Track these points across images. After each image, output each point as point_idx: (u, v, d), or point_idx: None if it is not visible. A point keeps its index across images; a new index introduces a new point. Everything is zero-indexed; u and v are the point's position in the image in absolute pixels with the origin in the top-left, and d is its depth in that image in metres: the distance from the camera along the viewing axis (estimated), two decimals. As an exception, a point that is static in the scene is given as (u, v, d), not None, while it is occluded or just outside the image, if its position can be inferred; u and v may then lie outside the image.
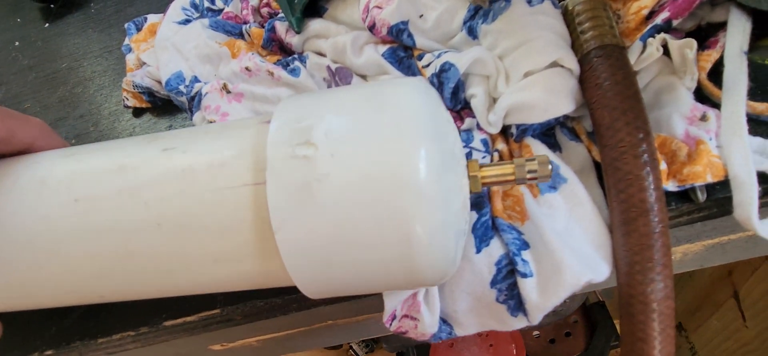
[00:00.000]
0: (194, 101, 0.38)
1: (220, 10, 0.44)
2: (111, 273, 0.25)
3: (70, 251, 0.24)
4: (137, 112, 0.43)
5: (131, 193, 0.24)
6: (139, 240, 0.24)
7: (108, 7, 0.54)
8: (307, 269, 0.22)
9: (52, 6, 0.56)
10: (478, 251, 0.28)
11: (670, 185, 0.27)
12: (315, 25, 0.37)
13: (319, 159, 0.21)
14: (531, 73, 0.28)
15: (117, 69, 0.47)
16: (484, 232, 0.28)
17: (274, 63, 0.37)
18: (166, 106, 0.43)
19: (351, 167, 0.20)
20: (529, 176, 0.24)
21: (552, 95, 0.27)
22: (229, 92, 0.37)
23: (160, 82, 0.41)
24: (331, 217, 0.21)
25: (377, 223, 0.20)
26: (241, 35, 0.41)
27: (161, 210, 0.23)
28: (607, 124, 0.26)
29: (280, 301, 0.30)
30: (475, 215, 0.28)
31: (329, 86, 0.36)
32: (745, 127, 0.26)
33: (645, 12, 0.29)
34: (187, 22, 0.43)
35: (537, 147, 0.29)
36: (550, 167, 0.24)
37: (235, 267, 0.24)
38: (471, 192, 0.24)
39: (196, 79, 0.39)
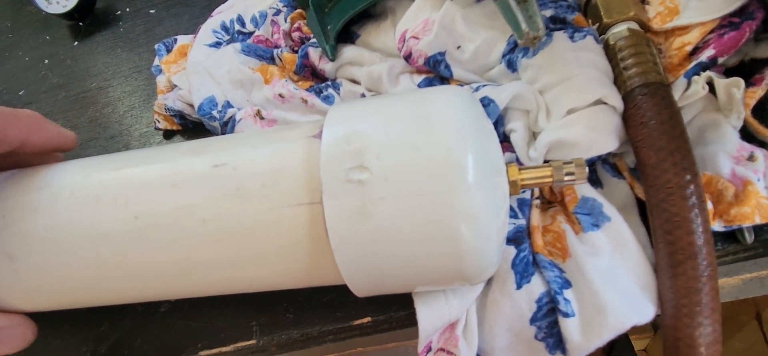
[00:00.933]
0: (227, 127, 0.38)
1: (251, 33, 0.45)
2: (173, 279, 0.26)
3: (135, 262, 0.25)
4: (168, 134, 0.44)
5: (188, 211, 0.24)
6: (200, 253, 0.25)
7: (137, 26, 0.54)
8: (361, 276, 0.23)
9: (80, 24, 0.57)
10: (519, 287, 0.27)
11: (717, 226, 0.26)
12: (348, 52, 0.37)
13: (374, 183, 0.22)
14: (574, 110, 0.27)
15: (147, 90, 0.48)
16: (524, 268, 0.27)
17: (307, 89, 0.37)
18: (197, 128, 0.43)
19: (404, 189, 0.21)
20: (566, 178, 0.25)
21: (595, 133, 0.27)
22: (262, 118, 0.37)
23: (191, 106, 0.41)
24: (387, 235, 0.22)
25: (428, 232, 0.22)
26: (272, 60, 0.41)
27: (219, 227, 0.24)
28: (654, 164, 0.26)
29: (315, 333, 0.30)
30: (514, 251, 0.28)
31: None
32: (794, 168, 0.26)
33: (689, 48, 0.28)
34: (217, 44, 0.44)
35: (579, 185, 0.28)
36: (586, 169, 0.24)
37: (291, 275, 0.25)
38: (511, 195, 0.25)
39: (228, 105, 0.39)
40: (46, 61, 0.55)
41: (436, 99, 0.23)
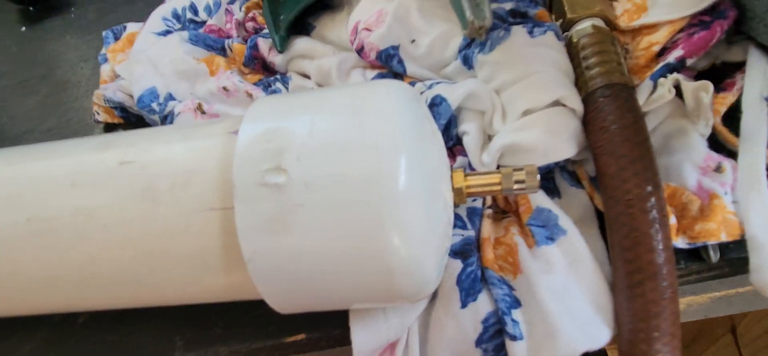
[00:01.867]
0: (166, 121, 0.35)
1: (204, 23, 0.42)
2: (72, 291, 0.23)
3: (26, 270, 0.22)
4: (109, 128, 0.41)
5: (88, 214, 0.22)
6: (101, 263, 0.22)
7: (89, 12, 0.51)
8: (279, 293, 0.21)
9: (31, 8, 0.54)
10: (464, 305, 0.25)
11: (680, 242, 0.24)
12: (300, 44, 0.34)
13: (292, 188, 0.19)
14: (530, 112, 0.25)
15: (93, 80, 0.45)
16: (470, 284, 0.25)
17: (255, 83, 0.35)
18: (140, 122, 0.40)
19: (326, 196, 0.19)
20: (516, 187, 0.22)
21: (553, 137, 0.24)
22: (203, 112, 0.34)
23: (133, 98, 0.38)
24: (306, 247, 0.19)
25: (354, 243, 0.19)
26: (222, 51, 0.38)
27: (122, 234, 0.21)
28: (613, 173, 0.23)
29: (245, 350, 0.27)
30: (460, 265, 0.25)
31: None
32: (764, 181, 0.24)
33: (657, 48, 0.26)
34: (167, 33, 0.41)
35: (533, 195, 0.26)
36: (538, 177, 0.22)
37: (205, 289, 0.23)
38: (456, 205, 0.23)
39: (170, 97, 0.36)
40: (-10, 46, 0.51)
41: (371, 94, 0.21)
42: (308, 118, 0.20)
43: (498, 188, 0.22)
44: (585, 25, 0.27)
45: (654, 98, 0.25)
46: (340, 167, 0.19)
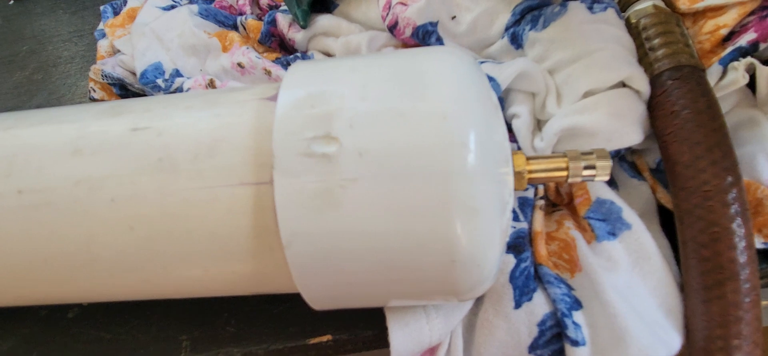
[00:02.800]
0: (173, 98, 0.32)
1: (212, -1, 0.39)
2: (70, 276, 0.19)
3: (16, 251, 0.19)
4: (105, 106, 0.37)
5: (93, 186, 0.18)
6: (106, 243, 0.18)
7: (84, -13, 0.47)
8: (319, 283, 0.18)
9: (20, -18, 0.50)
10: (517, 305, 0.22)
11: (757, 242, 0.22)
12: (323, 21, 0.32)
13: (344, 159, 0.16)
14: (592, 93, 0.23)
15: (87, 57, 0.41)
16: (525, 282, 0.22)
17: (273, 61, 0.32)
18: (140, 102, 0.36)
19: (384, 168, 0.16)
20: (585, 173, 0.20)
21: (618, 121, 0.22)
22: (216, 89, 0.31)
23: (133, 74, 0.35)
24: (357, 229, 0.16)
25: (415, 225, 0.16)
26: (234, 27, 0.35)
27: (133, 210, 0.18)
28: (687, 161, 0.21)
29: (261, 352, 0.24)
30: (513, 260, 0.23)
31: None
32: None
33: (724, 31, 0.24)
34: (172, 8, 0.38)
35: (592, 184, 0.24)
36: (610, 162, 0.19)
37: (228, 278, 0.20)
38: (515, 189, 0.20)
39: (177, 73, 0.33)
40: (-26, 19, 0.48)
41: (430, 58, 0.18)
42: (359, 81, 0.17)
43: (564, 174, 0.20)
44: (645, 5, 0.25)
45: (724, 83, 0.23)
46: (401, 136, 0.16)
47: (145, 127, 0.19)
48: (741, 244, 0.20)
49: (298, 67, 0.19)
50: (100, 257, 0.19)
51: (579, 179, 0.20)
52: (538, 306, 0.22)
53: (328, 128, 0.16)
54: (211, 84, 0.31)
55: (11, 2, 0.48)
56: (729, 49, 0.24)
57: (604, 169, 0.20)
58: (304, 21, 0.31)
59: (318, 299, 0.19)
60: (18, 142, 0.19)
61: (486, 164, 0.17)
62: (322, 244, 0.17)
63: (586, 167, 0.20)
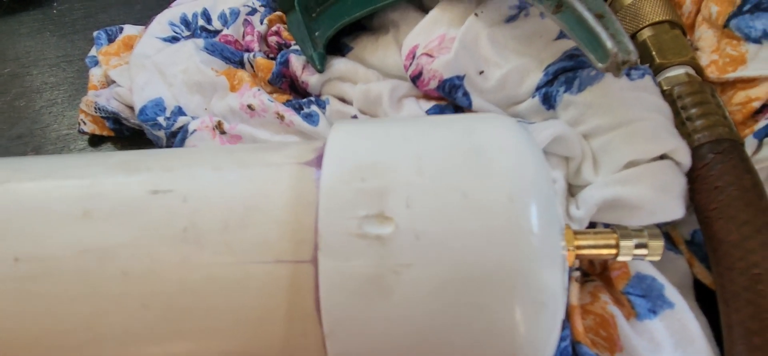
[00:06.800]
0: (175, 139, 0.30)
1: (217, 32, 0.37)
2: None
3: (10, 328, 0.16)
4: (95, 140, 0.34)
5: (102, 257, 0.16)
6: (113, 324, 0.16)
7: (75, 9, 0.45)
8: None
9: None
10: (555, 388, 0.21)
11: (800, 326, 0.21)
12: (339, 65, 0.30)
13: (399, 241, 0.15)
14: (634, 164, 0.22)
15: (76, 84, 0.39)
16: (562, 363, 0.21)
17: (284, 103, 0.30)
18: (134, 137, 0.34)
19: (443, 253, 0.14)
20: (637, 252, 0.18)
21: (663, 195, 0.21)
22: (223, 132, 0.29)
23: (131, 109, 0.33)
24: (409, 316, 0.15)
25: (474, 317, 0.15)
26: (241, 64, 0.34)
27: (148, 286, 0.16)
28: (734, 241, 0.20)
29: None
30: (548, 338, 0.21)
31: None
32: None
33: (757, 104, 0.24)
34: (174, 40, 0.36)
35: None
36: (662, 244, 0.18)
37: None
38: None
39: (180, 111, 0.31)
40: (-50, 36, 0.44)
41: (489, 127, 0.17)
42: (413, 152, 0.16)
43: (613, 251, 0.19)
44: (678, 73, 0.25)
45: (759, 157, 0.23)
46: (462, 218, 0.15)
47: (167, 190, 0.17)
48: (793, 332, 0.19)
49: (341, 129, 0.17)
50: (105, 337, 0.16)
51: (629, 258, 0.19)
52: (579, 389, 0.20)
53: (382, 205, 0.15)
54: (219, 126, 0.29)
55: (-8, 20, 0.45)
56: (762, 122, 0.23)
57: (655, 249, 0.19)
58: (321, 65, 0.30)
59: None
60: (15, 198, 0.17)
61: (550, 247, 0.15)
62: (368, 334, 0.15)
63: (638, 246, 0.19)
